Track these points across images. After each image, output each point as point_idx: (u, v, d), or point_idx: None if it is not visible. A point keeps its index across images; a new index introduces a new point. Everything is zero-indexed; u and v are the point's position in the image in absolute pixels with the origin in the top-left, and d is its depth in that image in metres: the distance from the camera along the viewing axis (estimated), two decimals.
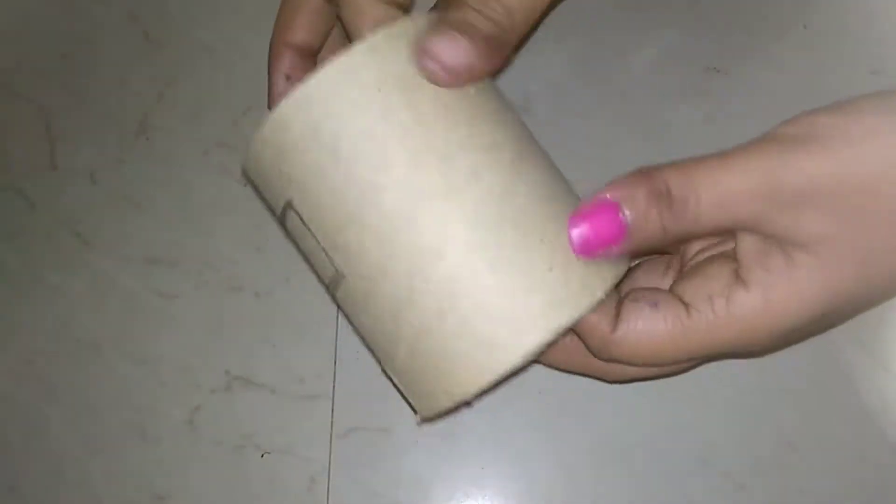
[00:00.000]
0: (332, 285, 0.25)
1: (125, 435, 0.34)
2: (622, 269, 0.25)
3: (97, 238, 0.36)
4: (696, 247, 0.27)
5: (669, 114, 0.35)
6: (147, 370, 0.34)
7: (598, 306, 0.24)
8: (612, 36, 0.36)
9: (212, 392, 0.34)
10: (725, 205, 0.22)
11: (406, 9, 0.26)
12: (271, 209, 0.27)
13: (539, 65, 0.36)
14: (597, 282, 0.23)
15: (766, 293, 0.23)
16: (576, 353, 0.26)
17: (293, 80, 0.32)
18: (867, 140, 0.22)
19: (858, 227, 0.22)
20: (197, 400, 0.34)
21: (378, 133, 0.23)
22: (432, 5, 0.36)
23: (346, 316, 0.27)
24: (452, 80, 0.23)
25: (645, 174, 0.23)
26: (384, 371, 0.26)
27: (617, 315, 0.24)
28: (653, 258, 0.29)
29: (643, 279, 0.28)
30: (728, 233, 0.24)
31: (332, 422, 0.33)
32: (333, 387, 0.33)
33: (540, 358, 0.27)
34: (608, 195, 0.23)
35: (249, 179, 0.27)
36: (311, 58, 0.33)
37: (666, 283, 0.27)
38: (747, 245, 0.23)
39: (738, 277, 0.23)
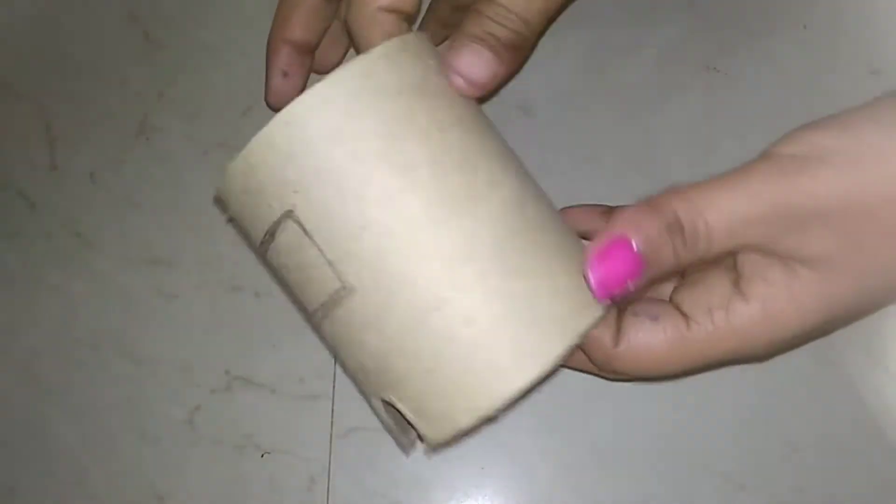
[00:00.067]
0: (329, 304, 0.23)
1: (125, 435, 0.34)
2: None
3: (97, 238, 0.36)
4: None
5: (669, 113, 0.35)
6: (147, 370, 0.34)
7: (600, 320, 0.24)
8: (611, 36, 0.36)
9: (212, 392, 0.34)
10: (734, 231, 0.22)
11: (411, 20, 0.26)
12: (250, 229, 0.25)
13: (539, 65, 0.36)
14: None
15: (766, 305, 0.23)
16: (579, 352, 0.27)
17: (290, 76, 0.32)
18: (871, 161, 0.22)
19: (860, 245, 0.22)
20: (197, 400, 0.34)
21: (400, 136, 0.22)
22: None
23: (336, 344, 0.25)
24: (479, 90, 0.25)
25: (653, 206, 0.23)
26: (383, 403, 0.24)
27: (618, 329, 0.25)
28: None
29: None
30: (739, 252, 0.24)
31: (332, 422, 0.33)
32: (333, 387, 0.33)
33: None
34: (619, 231, 0.22)
35: (228, 193, 0.24)
36: (309, 55, 0.33)
37: (667, 290, 0.27)
38: (749, 258, 0.24)
39: (738, 289, 0.24)
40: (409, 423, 0.24)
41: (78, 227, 0.36)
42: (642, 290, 0.24)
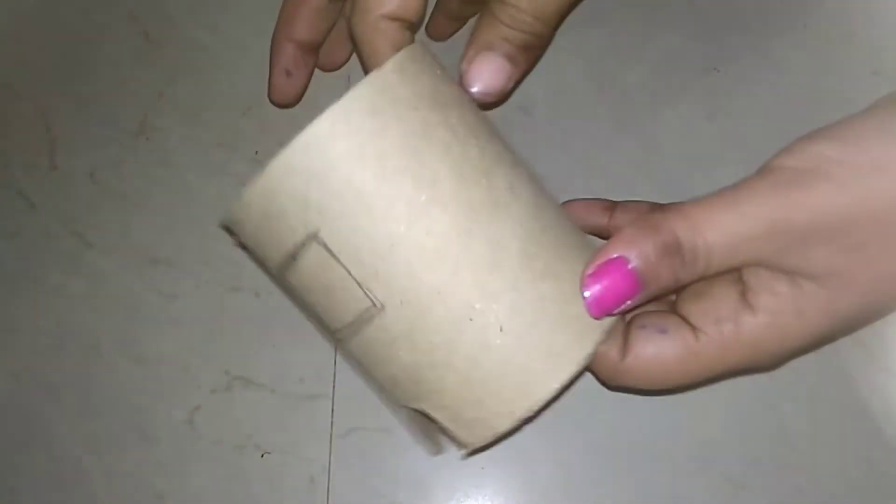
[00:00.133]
0: (358, 323, 0.23)
1: (125, 435, 0.34)
2: None
3: (97, 238, 0.36)
4: None
5: (669, 114, 0.35)
6: (147, 370, 0.34)
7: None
8: (612, 36, 0.36)
9: (212, 392, 0.34)
10: (734, 249, 0.22)
11: (414, 29, 0.26)
12: (268, 252, 0.24)
13: (539, 66, 0.36)
14: None
15: (773, 319, 0.23)
16: None
17: (293, 75, 0.32)
18: (871, 172, 0.21)
19: (865, 258, 0.22)
20: (197, 400, 0.34)
21: (421, 150, 0.22)
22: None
23: (364, 360, 0.25)
24: (496, 98, 0.25)
25: (651, 226, 0.23)
26: (411, 412, 0.25)
27: (625, 342, 0.25)
28: None
29: None
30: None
31: (332, 422, 0.33)
32: (333, 387, 0.33)
33: None
34: (617, 252, 0.23)
35: (243, 217, 0.24)
36: (313, 53, 0.33)
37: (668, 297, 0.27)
38: (754, 270, 0.23)
39: (746, 301, 0.23)
40: (443, 429, 0.24)
41: (78, 227, 0.36)
42: (643, 304, 0.24)
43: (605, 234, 0.31)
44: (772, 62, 0.35)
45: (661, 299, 0.27)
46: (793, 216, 0.22)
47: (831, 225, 0.22)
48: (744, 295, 0.24)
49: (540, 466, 0.32)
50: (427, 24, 0.35)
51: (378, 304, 0.23)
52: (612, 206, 0.30)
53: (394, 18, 0.25)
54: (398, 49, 0.24)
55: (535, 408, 0.23)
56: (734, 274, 0.24)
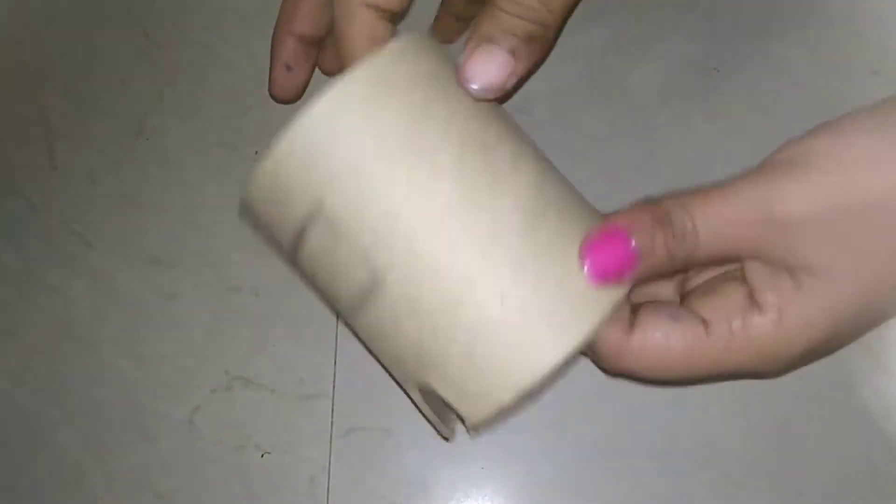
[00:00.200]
0: (363, 295, 0.24)
1: (125, 435, 0.34)
2: None
3: (97, 238, 0.36)
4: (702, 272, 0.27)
5: (669, 114, 0.35)
6: (147, 370, 0.34)
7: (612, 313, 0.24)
8: (612, 36, 0.36)
9: (212, 392, 0.34)
10: (721, 233, 0.23)
11: (395, 19, 0.26)
12: (279, 233, 0.25)
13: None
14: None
15: (780, 316, 0.23)
16: None
17: (294, 70, 0.32)
18: (859, 164, 0.22)
19: (857, 252, 0.22)
20: (197, 400, 0.34)
21: (422, 125, 0.23)
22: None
23: (372, 335, 0.25)
24: (495, 94, 0.24)
25: (647, 204, 0.23)
26: (421, 392, 0.25)
27: (632, 324, 0.24)
28: None
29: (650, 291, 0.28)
30: (734, 259, 0.24)
31: (332, 422, 0.33)
32: (333, 387, 0.33)
33: None
34: (615, 223, 0.23)
35: (253, 200, 0.25)
36: (313, 48, 0.33)
37: (674, 298, 0.27)
38: (755, 269, 0.24)
39: (753, 300, 0.24)
40: (449, 406, 0.24)
41: (78, 227, 0.36)
42: (643, 282, 0.25)
43: None
44: (772, 62, 0.35)
45: (671, 292, 0.27)
46: (774, 204, 0.22)
47: (814, 214, 0.22)
48: (751, 295, 0.24)
49: (540, 466, 0.32)
50: (433, 24, 0.35)
51: (380, 276, 0.23)
52: None
53: (371, 6, 0.25)
54: (375, 39, 0.24)
55: (538, 380, 0.23)
56: (740, 276, 0.24)
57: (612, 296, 0.23)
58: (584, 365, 0.31)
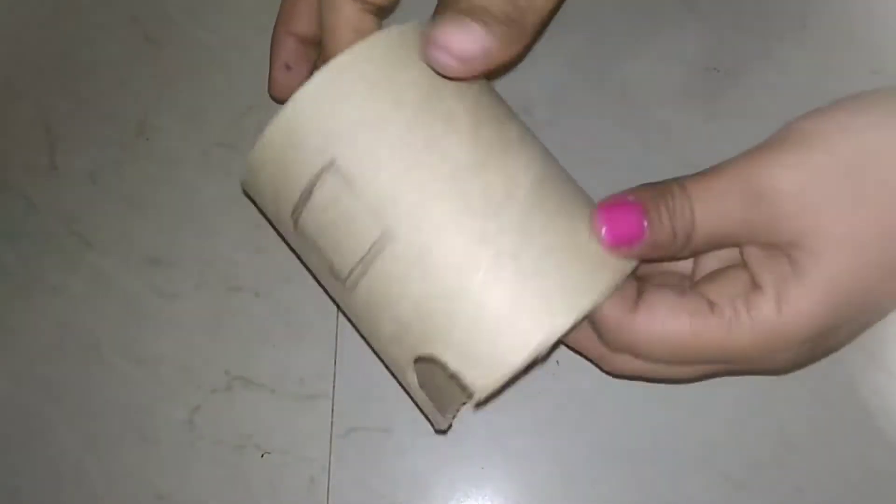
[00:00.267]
0: (370, 255, 0.23)
1: (125, 435, 0.34)
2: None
3: (97, 238, 0.36)
4: (706, 266, 0.27)
5: (669, 114, 0.35)
6: (147, 370, 0.34)
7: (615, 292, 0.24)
8: (611, 36, 0.36)
9: (212, 392, 0.34)
10: (714, 209, 0.23)
11: (380, 13, 0.26)
12: (283, 195, 0.24)
13: (539, 65, 0.36)
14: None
15: (779, 297, 0.23)
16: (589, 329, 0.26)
17: (293, 69, 0.32)
18: (835, 137, 0.22)
19: (830, 222, 0.22)
20: (197, 400, 0.34)
21: (438, 87, 0.23)
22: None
23: (372, 305, 0.24)
24: (466, 69, 0.22)
25: (651, 183, 0.24)
26: (418, 375, 0.24)
27: (638, 300, 0.24)
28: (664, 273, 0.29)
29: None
30: (732, 243, 0.25)
31: (332, 422, 0.33)
32: (333, 387, 0.33)
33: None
34: (625, 195, 0.24)
35: (262, 159, 0.24)
36: (313, 47, 0.33)
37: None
38: (753, 253, 0.24)
39: (754, 282, 0.24)
40: (454, 377, 0.23)
41: (78, 227, 0.36)
42: (650, 260, 0.25)
43: None
44: (772, 62, 0.35)
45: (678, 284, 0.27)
46: (759, 178, 0.23)
47: (793, 185, 0.22)
48: (753, 279, 0.24)
49: (540, 466, 0.32)
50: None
51: (391, 232, 0.23)
52: None
53: (358, 0, 0.25)
54: (360, 32, 0.24)
55: (551, 341, 0.22)
56: (742, 264, 0.25)
57: (622, 264, 0.24)
58: (584, 365, 0.31)
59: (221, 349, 0.34)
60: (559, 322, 0.22)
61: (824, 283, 0.23)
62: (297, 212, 0.24)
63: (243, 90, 0.37)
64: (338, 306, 0.28)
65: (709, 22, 0.36)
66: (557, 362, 0.33)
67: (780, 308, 0.23)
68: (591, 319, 0.25)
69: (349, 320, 0.29)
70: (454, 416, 0.26)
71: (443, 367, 0.23)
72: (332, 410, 0.33)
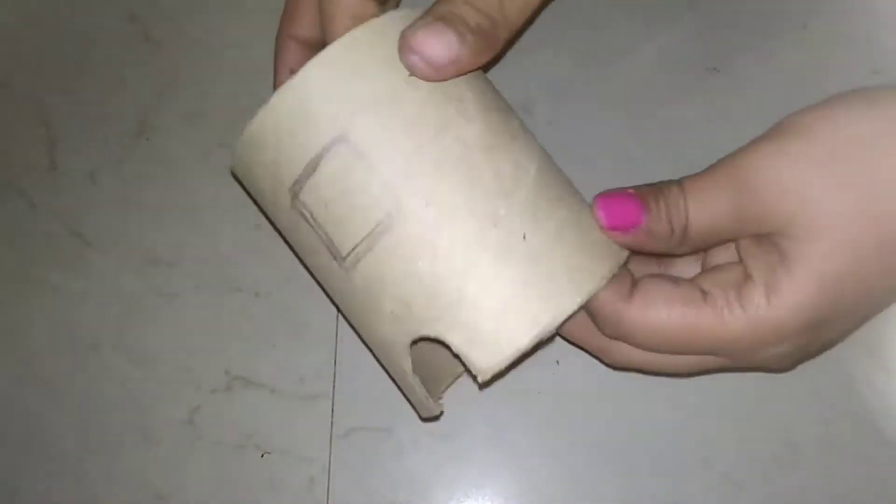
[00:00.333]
0: (377, 232, 0.23)
1: (125, 435, 0.34)
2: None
3: (97, 238, 0.36)
4: (715, 263, 0.27)
5: (669, 114, 0.35)
6: (147, 370, 0.34)
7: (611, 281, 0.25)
8: (612, 36, 0.36)
9: (212, 392, 0.34)
10: (703, 199, 0.24)
11: (382, 1, 0.26)
12: (284, 168, 0.24)
13: (539, 65, 0.36)
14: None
15: (768, 287, 0.23)
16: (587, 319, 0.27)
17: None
18: (818, 123, 0.23)
19: (825, 209, 0.22)
20: (197, 400, 0.34)
21: None
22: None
23: (372, 286, 0.24)
24: (436, 74, 0.23)
25: (650, 184, 0.25)
26: (425, 343, 0.24)
27: (634, 289, 0.25)
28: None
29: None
30: (726, 238, 0.25)
31: (332, 422, 0.33)
32: (333, 387, 0.33)
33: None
34: (623, 189, 0.25)
35: (266, 127, 0.24)
36: (317, 51, 0.33)
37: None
38: (746, 246, 0.25)
39: (747, 273, 0.24)
40: (458, 353, 0.23)
41: (78, 227, 0.36)
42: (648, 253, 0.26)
43: None
44: (772, 62, 0.35)
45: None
46: (740, 168, 0.23)
47: (778, 174, 0.23)
48: (745, 272, 0.24)
49: (540, 466, 0.32)
50: None
51: (401, 208, 0.22)
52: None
53: None
54: (359, 19, 0.24)
55: (558, 322, 0.23)
56: (737, 258, 0.25)
57: (619, 253, 0.25)
58: (583, 365, 0.31)
59: (221, 349, 0.34)
60: (566, 304, 0.23)
61: (812, 270, 0.23)
62: (297, 184, 0.24)
63: (243, 90, 0.37)
64: (321, 287, 0.27)
65: (710, 22, 0.36)
66: (557, 362, 0.33)
67: (769, 298, 0.23)
68: (588, 308, 0.25)
69: (335, 304, 0.29)
70: (440, 398, 0.26)
71: (447, 347, 0.23)
72: (332, 410, 0.33)
